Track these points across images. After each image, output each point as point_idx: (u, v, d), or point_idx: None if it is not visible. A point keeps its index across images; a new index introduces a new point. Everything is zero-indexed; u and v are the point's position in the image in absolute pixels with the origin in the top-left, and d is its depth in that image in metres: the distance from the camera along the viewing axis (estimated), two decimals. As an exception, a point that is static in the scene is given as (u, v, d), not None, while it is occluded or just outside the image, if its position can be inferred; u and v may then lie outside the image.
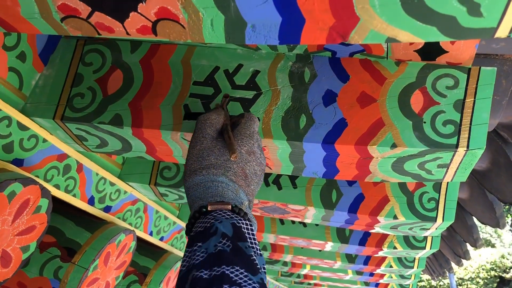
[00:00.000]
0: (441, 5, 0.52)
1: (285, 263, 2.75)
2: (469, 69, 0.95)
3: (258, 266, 0.55)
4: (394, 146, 0.92)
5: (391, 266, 2.27)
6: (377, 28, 0.56)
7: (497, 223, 2.45)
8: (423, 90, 0.96)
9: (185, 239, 1.94)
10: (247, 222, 0.63)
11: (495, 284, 16.28)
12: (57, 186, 1.17)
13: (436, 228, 1.41)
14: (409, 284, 3.12)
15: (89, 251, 1.30)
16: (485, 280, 16.42)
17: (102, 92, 1.05)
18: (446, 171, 0.99)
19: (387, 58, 0.99)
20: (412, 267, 2.26)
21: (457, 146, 0.90)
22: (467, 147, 0.90)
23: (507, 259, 16.26)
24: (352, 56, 1.01)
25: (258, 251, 0.60)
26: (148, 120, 1.01)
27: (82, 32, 0.66)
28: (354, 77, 0.99)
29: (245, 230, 0.61)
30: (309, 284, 3.61)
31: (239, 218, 0.63)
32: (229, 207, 0.65)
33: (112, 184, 1.38)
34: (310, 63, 1.02)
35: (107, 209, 1.38)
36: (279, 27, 0.59)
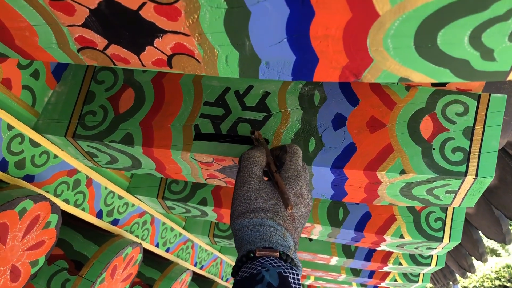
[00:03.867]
0: (454, 49, 0.53)
1: (289, 274, 2.74)
2: (479, 95, 0.96)
3: None
4: (403, 172, 0.92)
5: (395, 280, 2.27)
6: (390, 69, 0.57)
7: (503, 239, 2.44)
8: (432, 116, 0.96)
9: (191, 250, 1.95)
10: (293, 271, 0.62)
11: (499, 294, 16.13)
12: (66, 201, 1.18)
13: (442, 248, 1.41)
14: (413, 297, 3.10)
15: (96, 264, 1.31)
16: (489, 290, 16.27)
17: (114, 111, 1.06)
18: (454, 197, 1.00)
19: (397, 83, 1.00)
20: (417, 281, 2.26)
21: (465, 174, 0.90)
22: (476, 175, 0.90)
23: (512, 268, 16.11)
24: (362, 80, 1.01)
25: None
26: (159, 139, 1.01)
27: (98, 62, 0.67)
28: (364, 101, 1.00)
29: (291, 280, 0.60)
30: (313, 293, 3.61)
31: (286, 266, 0.62)
32: (277, 254, 0.64)
33: (120, 197, 1.39)
34: (320, 86, 1.03)
35: (115, 222, 1.39)
36: (292, 65, 0.60)
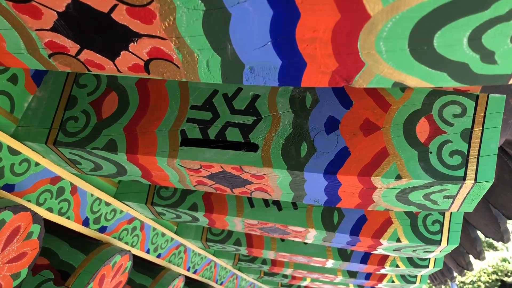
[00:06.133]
0: (452, 52, 0.48)
1: (285, 276, 2.71)
2: (477, 96, 0.91)
3: None
4: (398, 177, 0.88)
5: (393, 281, 2.23)
6: (383, 73, 0.53)
7: (501, 237, 2.41)
8: (429, 118, 0.92)
9: (183, 255, 1.90)
10: None
11: (496, 288, 16.19)
12: (50, 210, 1.13)
13: (440, 251, 1.37)
14: (410, 296, 3.07)
15: (83, 274, 1.26)
16: (486, 284, 16.34)
17: (97, 116, 1.01)
18: (453, 202, 0.96)
19: (391, 84, 0.95)
20: (415, 282, 2.22)
21: (464, 178, 0.86)
22: (475, 179, 0.86)
23: (509, 262, 16.18)
24: (356, 81, 0.97)
25: None
26: (144, 146, 0.97)
27: (71, 68, 0.63)
28: (357, 103, 0.96)
29: None
30: (309, 293, 3.58)
31: None
32: None
33: (107, 204, 1.35)
34: (312, 88, 0.99)
35: (102, 230, 1.35)
36: (278, 70, 0.55)
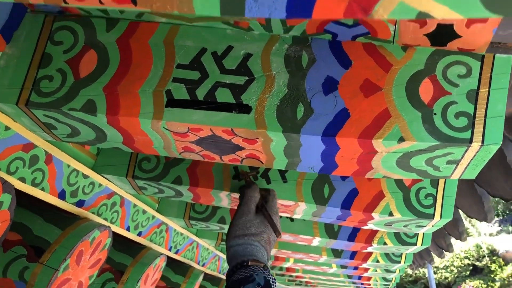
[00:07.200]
0: (491, -29, 0.42)
1: (268, 257, 2.66)
2: (483, 56, 0.86)
3: None
4: (401, 140, 0.82)
5: (377, 261, 2.21)
6: (409, 0, 0.46)
7: (484, 217, 2.41)
8: (433, 79, 0.86)
9: (165, 234, 1.83)
10: (272, 278, 0.91)
11: (468, 272, 16.65)
12: (22, 179, 1.04)
13: (432, 226, 1.34)
14: (392, 278, 3.07)
15: (59, 250, 1.18)
16: (459, 268, 16.79)
17: (74, 75, 0.92)
18: (455, 168, 0.91)
19: (393, 42, 0.90)
20: (399, 262, 2.21)
21: (471, 140, 0.82)
22: (482, 141, 0.81)
23: (481, 247, 16.63)
24: (355, 40, 0.91)
25: None
26: (126, 107, 0.89)
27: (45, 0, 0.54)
28: (356, 63, 0.90)
29: (272, 283, 0.89)
30: (291, 276, 3.55)
31: (268, 274, 0.91)
32: (262, 264, 0.94)
33: (85, 176, 1.26)
34: (308, 46, 0.92)
35: (80, 204, 1.26)
36: (288, -3, 0.48)
